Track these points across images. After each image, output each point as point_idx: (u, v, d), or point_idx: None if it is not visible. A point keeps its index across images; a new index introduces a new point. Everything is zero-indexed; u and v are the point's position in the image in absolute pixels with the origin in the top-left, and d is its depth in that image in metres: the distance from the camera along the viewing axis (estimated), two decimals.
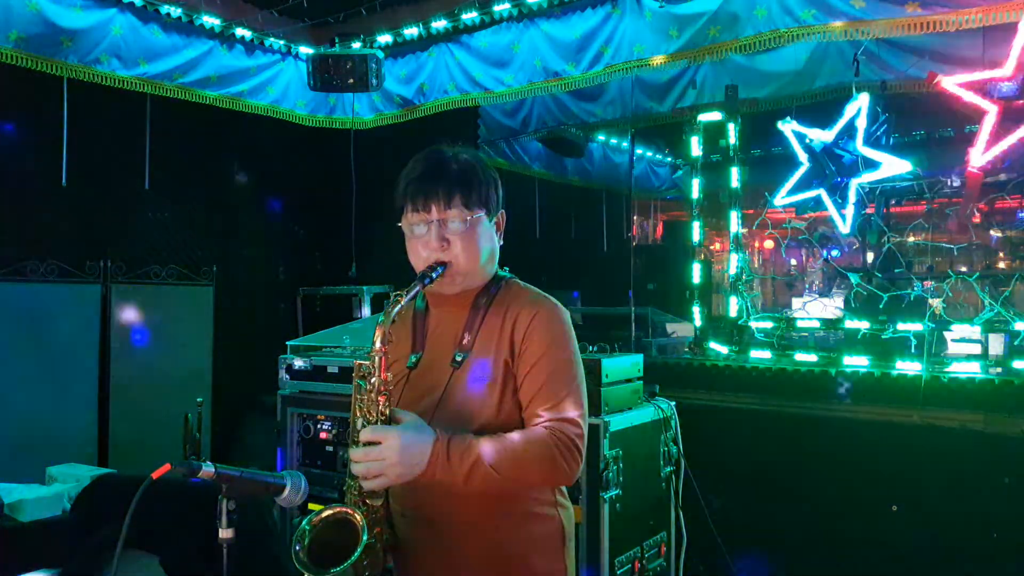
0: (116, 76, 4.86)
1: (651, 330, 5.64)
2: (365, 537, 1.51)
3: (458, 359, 1.70)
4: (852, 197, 4.90)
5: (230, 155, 5.97)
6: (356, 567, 1.55)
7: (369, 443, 1.52)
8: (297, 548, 1.51)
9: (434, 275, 1.65)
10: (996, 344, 4.19)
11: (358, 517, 1.54)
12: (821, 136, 4.96)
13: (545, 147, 7.40)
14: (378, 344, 1.58)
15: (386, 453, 1.50)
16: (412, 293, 1.63)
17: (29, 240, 4.77)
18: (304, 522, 1.54)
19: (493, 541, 1.66)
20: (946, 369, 4.07)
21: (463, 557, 1.66)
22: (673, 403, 3.44)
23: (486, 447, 1.55)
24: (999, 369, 4.01)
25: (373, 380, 1.57)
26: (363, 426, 1.57)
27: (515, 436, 1.59)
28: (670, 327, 5.75)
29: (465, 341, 1.72)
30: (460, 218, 1.67)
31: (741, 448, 4.25)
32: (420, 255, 1.70)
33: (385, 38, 5.61)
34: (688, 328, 5.52)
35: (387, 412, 1.57)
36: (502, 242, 1.81)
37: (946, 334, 4.41)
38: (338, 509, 1.57)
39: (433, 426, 1.59)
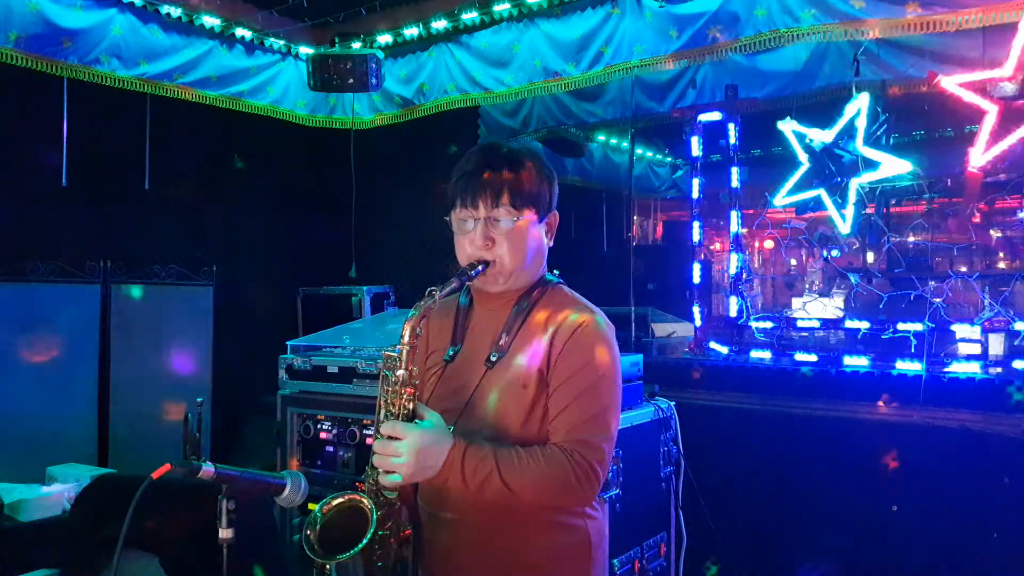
0: (116, 76, 4.86)
1: (650, 330, 5.64)
2: (373, 526, 1.51)
3: (493, 359, 1.68)
4: (852, 197, 4.90)
5: (230, 155, 5.96)
6: (366, 556, 1.55)
7: (389, 437, 1.51)
8: (308, 533, 1.52)
9: (474, 273, 1.63)
10: (996, 344, 4.19)
11: (367, 503, 1.54)
12: (821, 136, 4.95)
13: (545, 147, 7.39)
14: (406, 337, 1.57)
15: (402, 451, 1.49)
16: (447, 289, 1.61)
17: (29, 240, 4.76)
18: (316, 509, 1.55)
19: (517, 548, 1.64)
20: (946, 369, 4.07)
21: (486, 562, 1.64)
22: (673, 403, 3.44)
23: (502, 461, 1.52)
24: (999, 369, 4.01)
25: (399, 373, 1.56)
26: (386, 418, 1.56)
27: (533, 453, 1.56)
28: (669, 327, 5.74)
29: (502, 342, 1.69)
30: (508, 217, 1.64)
31: (741, 448, 4.25)
32: (465, 251, 1.68)
33: (385, 38, 5.61)
34: (688, 328, 5.52)
35: (410, 407, 1.55)
36: (551, 243, 1.77)
37: (953, 330, 4.39)
38: (349, 496, 1.57)
39: (459, 425, 1.58)
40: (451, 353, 1.76)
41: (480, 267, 1.64)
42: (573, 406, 1.60)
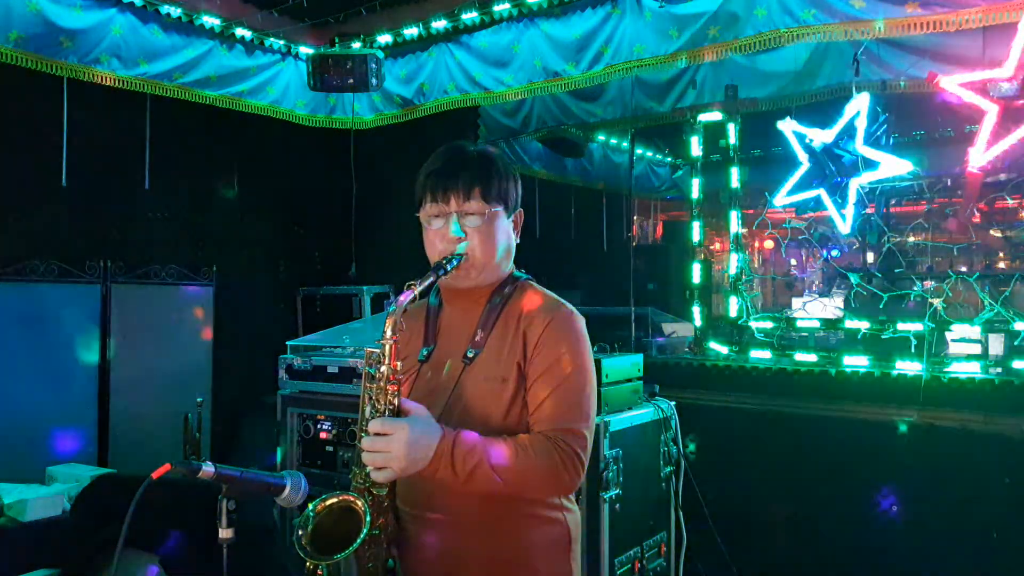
0: (116, 76, 4.85)
1: (651, 330, 5.64)
2: (367, 526, 1.51)
3: (469, 355, 1.70)
4: (852, 197, 4.90)
5: (230, 155, 5.96)
6: (359, 557, 1.55)
7: (377, 434, 1.52)
8: (300, 534, 1.51)
9: (449, 266, 1.65)
10: (996, 344, 4.19)
11: (361, 505, 1.54)
12: (821, 136, 4.95)
13: (545, 147, 7.39)
14: (388, 332, 1.58)
15: (393, 446, 1.49)
16: (426, 283, 1.63)
17: (29, 240, 4.76)
18: (308, 508, 1.55)
19: (498, 543, 1.66)
20: (946, 369, 4.07)
21: (467, 558, 1.65)
22: (673, 403, 3.44)
23: (491, 451, 1.54)
24: (999, 369, 4.01)
25: (383, 368, 1.57)
26: (372, 415, 1.57)
27: (520, 443, 1.58)
28: (669, 327, 5.74)
29: (478, 338, 1.72)
30: (478, 211, 1.68)
31: (741, 448, 4.26)
32: (436, 247, 1.71)
33: (385, 38, 5.61)
34: (688, 328, 5.52)
35: (396, 402, 1.56)
36: (519, 240, 1.81)
37: (946, 334, 4.40)
38: (342, 497, 1.56)
39: (441, 421, 1.58)
40: (425, 353, 1.79)
41: (454, 260, 1.66)
42: (553, 396, 1.64)
